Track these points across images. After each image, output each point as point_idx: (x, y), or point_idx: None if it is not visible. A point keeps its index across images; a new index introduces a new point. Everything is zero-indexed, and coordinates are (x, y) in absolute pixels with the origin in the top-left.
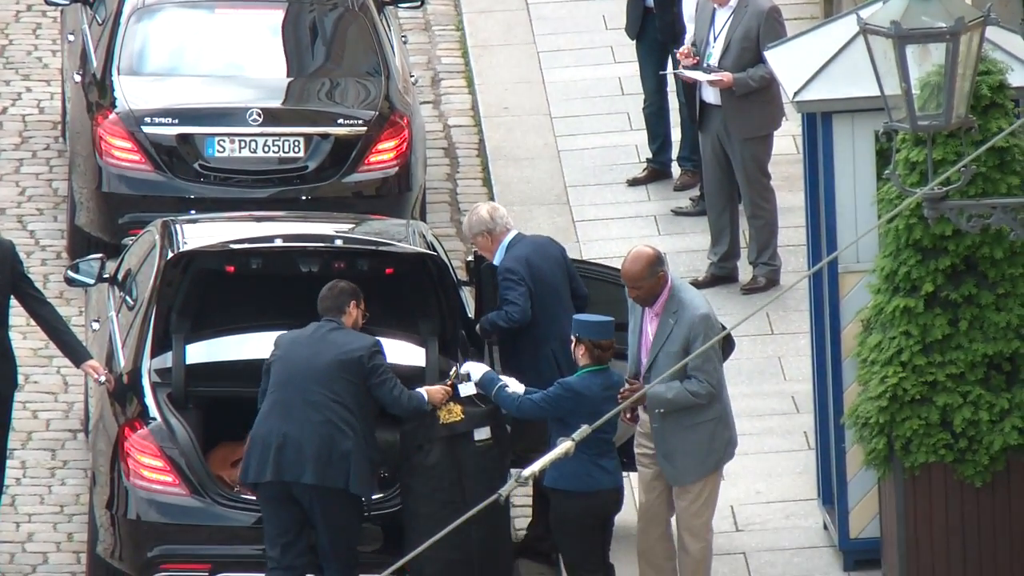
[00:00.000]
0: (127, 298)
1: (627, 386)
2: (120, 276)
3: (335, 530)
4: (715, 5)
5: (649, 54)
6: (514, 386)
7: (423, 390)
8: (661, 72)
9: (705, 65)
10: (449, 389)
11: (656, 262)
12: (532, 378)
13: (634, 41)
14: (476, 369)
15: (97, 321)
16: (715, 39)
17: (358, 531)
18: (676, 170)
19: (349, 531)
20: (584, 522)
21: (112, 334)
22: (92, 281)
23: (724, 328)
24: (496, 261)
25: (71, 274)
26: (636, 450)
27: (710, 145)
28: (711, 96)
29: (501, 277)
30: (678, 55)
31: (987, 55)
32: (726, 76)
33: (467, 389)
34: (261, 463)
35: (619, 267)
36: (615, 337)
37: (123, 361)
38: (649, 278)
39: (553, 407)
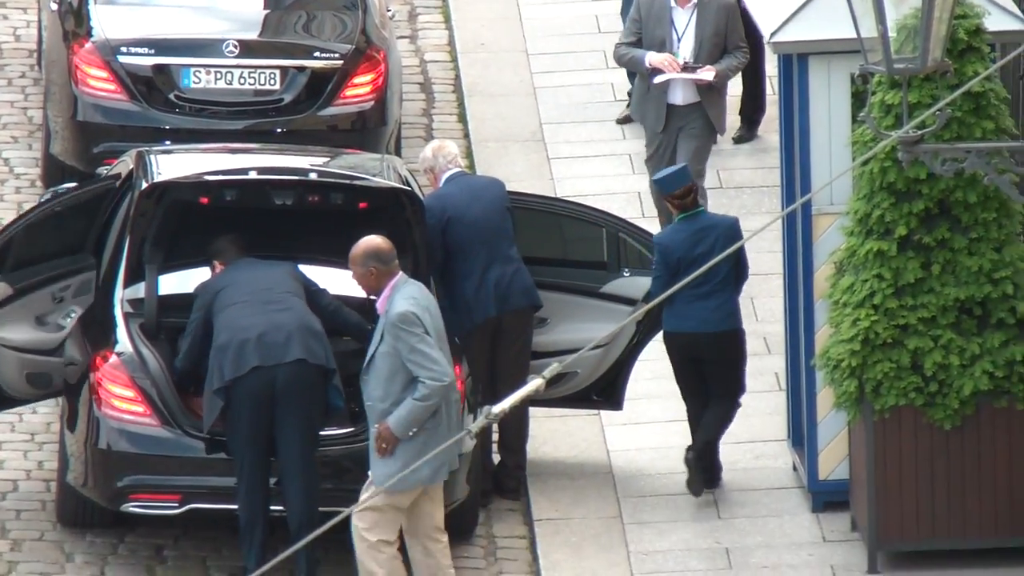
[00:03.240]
0: None
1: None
2: None
3: (306, 428)
4: (674, 6)
5: None
6: None
7: None
8: (653, 79)
9: (683, 63)
10: None
11: (372, 255)
12: (463, 310)
13: None
14: None
15: None
16: (679, 39)
17: (317, 443)
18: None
19: (315, 436)
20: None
21: None
22: None
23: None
24: None
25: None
26: None
27: (667, 145)
28: (680, 97)
29: None
30: (664, 65)
31: None
32: (714, 71)
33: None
34: (239, 357)
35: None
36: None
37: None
38: (360, 267)
39: (657, 267)
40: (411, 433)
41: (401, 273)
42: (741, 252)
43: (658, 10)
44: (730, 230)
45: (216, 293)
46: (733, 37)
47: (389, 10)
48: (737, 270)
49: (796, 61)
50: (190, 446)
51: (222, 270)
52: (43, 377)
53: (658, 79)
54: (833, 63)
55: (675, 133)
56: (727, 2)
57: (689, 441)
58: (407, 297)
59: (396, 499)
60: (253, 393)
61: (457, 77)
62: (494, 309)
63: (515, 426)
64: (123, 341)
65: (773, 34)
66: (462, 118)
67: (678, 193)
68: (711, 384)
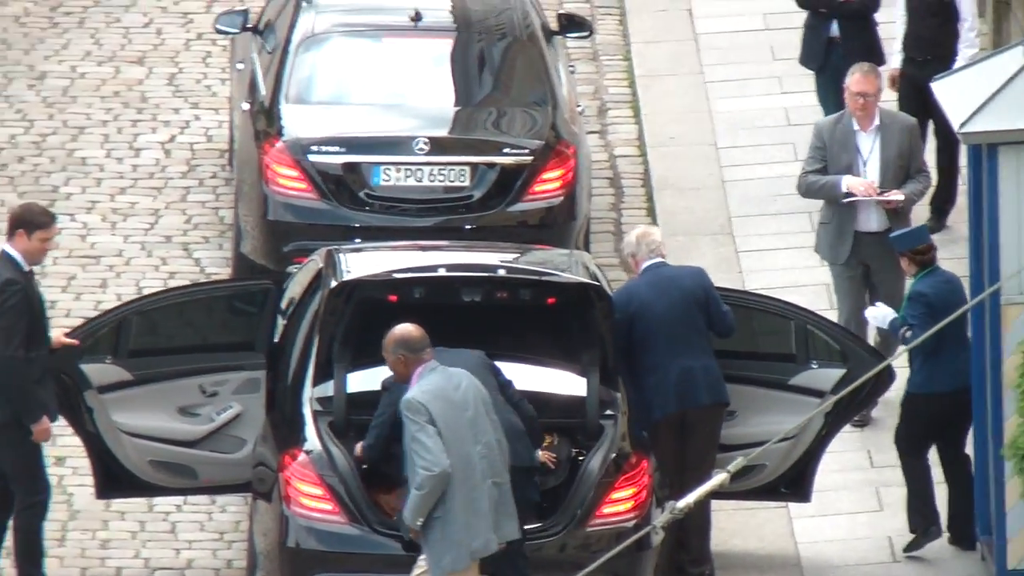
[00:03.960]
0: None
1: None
2: (283, 305)
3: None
4: (857, 130)
5: (830, 84)
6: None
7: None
8: (844, 199)
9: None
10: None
11: (401, 343)
12: (643, 405)
13: (813, 72)
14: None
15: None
16: (865, 163)
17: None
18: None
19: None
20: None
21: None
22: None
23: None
24: None
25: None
26: None
27: (855, 276)
28: (874, 223)
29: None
30: (861, 191)
31: None
32: (899, 195)
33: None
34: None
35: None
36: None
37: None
38: (391, 354)
39: (922, 318)
40: (419, 523)
41: (432, 361)
42: None
43: (841, 135)
44: (960, 282)
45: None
46: (916, 160)
47: (579, 105)
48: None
49: (986, 151)
50: (379, 543)
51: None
52: (178, 468)
53: (848, 200)
54: (1023, 152)
55: (864, 266)
56: (908, 123)
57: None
58: (421, 385)
59: None
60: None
61: (646, 171)
62: (674, 405)
63: (697, 522)
64: (312, 439)
65: (963, 124)
66: (651, 212)
67: (921, 249)
68: (954, 444)
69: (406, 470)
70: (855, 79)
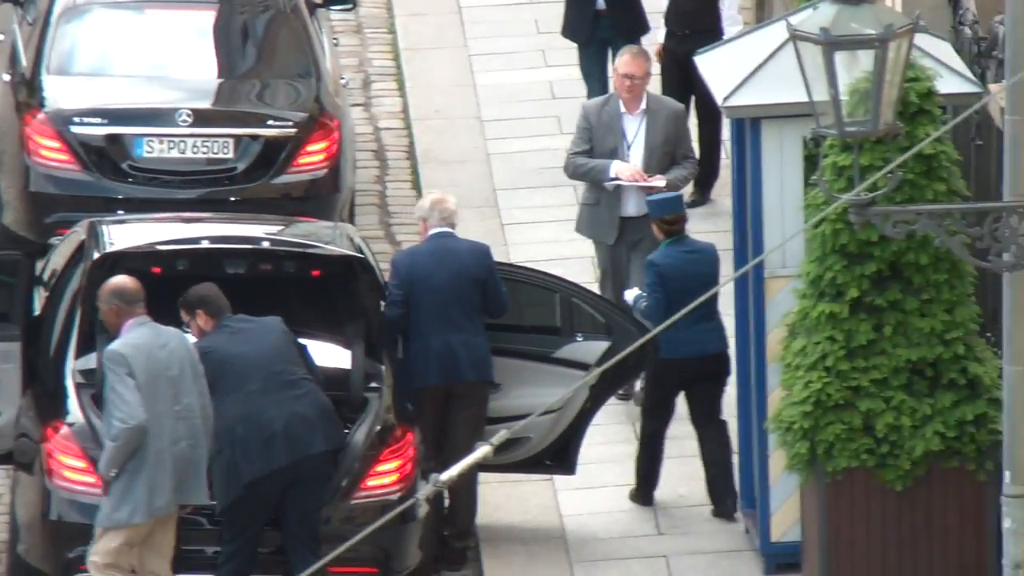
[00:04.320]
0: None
1: None
2: (45, 277)
3: (315, 500)
4: (623, 112)
5: (595, 57)
6: (630, 296)
7: None
8: (608, 183)
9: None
10: None
11: (116, 293)
12: (405, 373)
13: (578, 45)
14: (634, 295)
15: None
16: (629, 147)
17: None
18: None
19: (322, 499)
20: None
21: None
22: None
23: None
24: None
25: None
26: None
27: (620, 257)
28: (633, 208)
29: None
30: (628, 177)
31: (915, 62)
32: (662, 180)
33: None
34: (265, 453)
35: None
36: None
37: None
38: (104, 303)
39: (652, 287)
40: (112, 474)
41: (144, 316)
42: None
43: (608, 117)
44: (714, 252)
45: (222, 364)
46: (682, 147)
47: (343, 78)
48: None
49: (749, 125)
50: None
51: (215, 330)
52: None
53: (610, 184)
54: (785, 127)
55: (628, 247)
56: (676, 110)
57: (638, 504)
58: (127, 338)
59: (123, 535)
60: (267, 493)
61: (411, 144)
62: (435, 378)
63: (463, 495)
64: (74, 411)
65: (726, 99)
66: (415, 185)
67: (669, 219)
68: (702, 407)
69: (228, 474)
70: (623, 60)
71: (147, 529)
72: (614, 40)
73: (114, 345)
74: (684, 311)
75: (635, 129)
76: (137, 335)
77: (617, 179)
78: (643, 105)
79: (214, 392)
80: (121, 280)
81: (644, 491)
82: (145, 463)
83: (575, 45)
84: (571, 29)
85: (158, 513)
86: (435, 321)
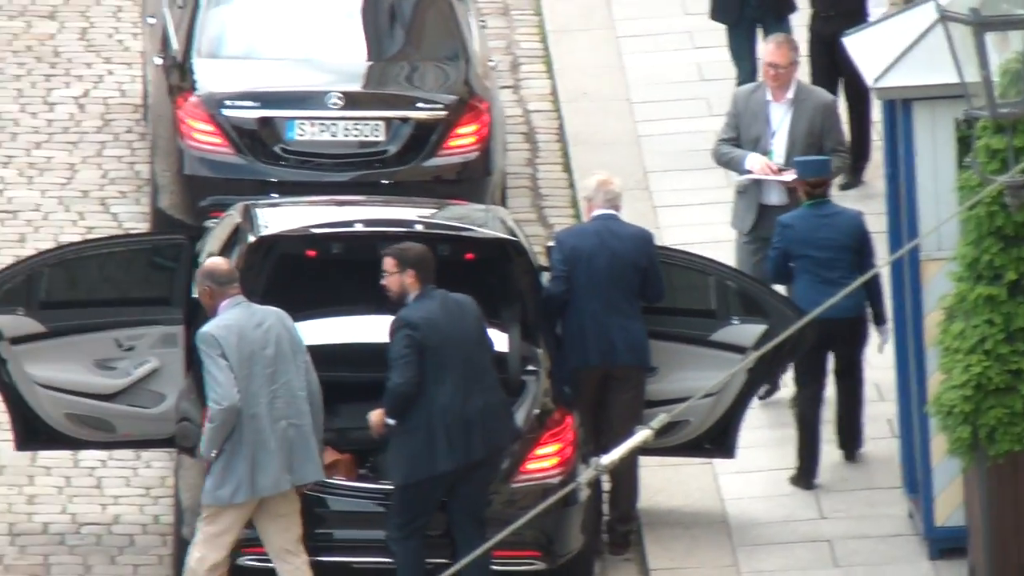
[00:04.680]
0: None
1: None
2: (201, 259)
3: (486, 486)
4: (770, 100)
5: (743, 39)
6: None
7: None
8: (738, 180)
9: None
10: None
11: (208, 275)
12: (564, 352)
13: (726, 27)
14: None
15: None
16: (773, 135)
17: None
18: None
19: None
20: None
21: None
22: None
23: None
24: None
25: None
26: None
27: (758, 252)
28: (775, 197)
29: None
30: (759, 170)
31: None
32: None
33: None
34: (465, 444)
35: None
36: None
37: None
38: (198, 284)
39: (776, 247)
40: (212, 454)
41: (239, 296)
42: (867, 243)
43: (755, 105)
44: (855, 220)
45: (423, 341)
46: (832, 138)
47: (491, 60)
48: (862, 260)
49: (900, 107)
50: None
51: (421, 297)
52: (95, 421)
53: (741, 179)
54: (937, 108)
55: (759, 244)
56: (825, 101)
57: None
58: (219, 319)
59: (228, 515)
60: (461, 476)
61: (561, 127)
62: (594, 359)
63: (625, 479)
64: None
65: (877, 80)
66: (567, 167)
67: (812, 181)
68: (835, 368)
69: (415, 464)
70: (768, 50)
71: (250, 509)
72: (763, 20)
73: (206, 327)
74: (834, 299)
75: (780, 118)
76: (229, 316)
77: (750, 172)
78: (790, 94)
79: (416, 367)
80: (213, 262)
81: (805, 475)
82: (242, 442)
83: (722, 27)
84: (720, 10)
85: (263, 491)
86: (593, 302)
